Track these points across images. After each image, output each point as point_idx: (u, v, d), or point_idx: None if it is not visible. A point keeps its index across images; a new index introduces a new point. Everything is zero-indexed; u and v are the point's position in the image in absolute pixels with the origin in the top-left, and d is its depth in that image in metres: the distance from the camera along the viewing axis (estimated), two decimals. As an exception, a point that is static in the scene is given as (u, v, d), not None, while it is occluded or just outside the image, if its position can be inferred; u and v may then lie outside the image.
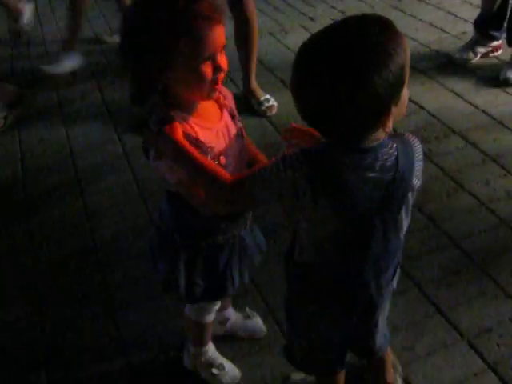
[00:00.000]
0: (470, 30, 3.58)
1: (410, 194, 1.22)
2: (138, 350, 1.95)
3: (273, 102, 3.16)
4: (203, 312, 1.71)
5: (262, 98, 3.17)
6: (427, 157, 2.68)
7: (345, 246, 1.23)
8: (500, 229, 2.25)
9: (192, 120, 1.33)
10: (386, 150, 1.14)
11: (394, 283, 1.42)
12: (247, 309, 1.97)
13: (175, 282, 1.53)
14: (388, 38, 1.02)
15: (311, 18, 4.27)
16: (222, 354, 1.84)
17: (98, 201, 2.66)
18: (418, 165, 1.20)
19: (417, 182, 1.21)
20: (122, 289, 2.18)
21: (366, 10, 4.20)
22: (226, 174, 1.23)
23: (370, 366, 1.69)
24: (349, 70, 1.01)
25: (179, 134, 1.26)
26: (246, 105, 3.15)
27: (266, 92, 3.22)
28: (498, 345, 1.81)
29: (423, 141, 2.79)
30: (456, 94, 3.16)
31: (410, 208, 1.25)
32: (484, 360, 1.77)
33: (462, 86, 3.22)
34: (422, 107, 3.08)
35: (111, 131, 3.20)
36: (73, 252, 2.38)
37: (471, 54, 3.41)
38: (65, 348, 1.98)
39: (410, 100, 3.13)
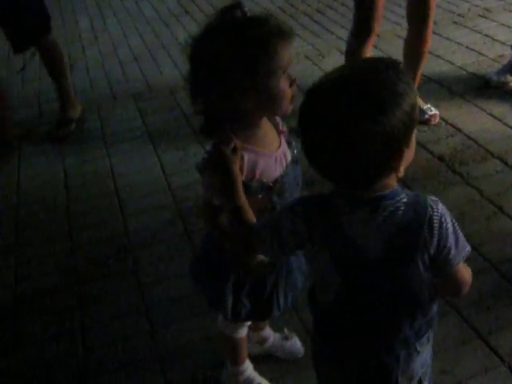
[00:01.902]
0: (507, 52, 3.57)
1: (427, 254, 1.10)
2: (176, 367, 1.99)
3: (434, 110, 3.19)
4: (235, 326, 1.73)
5: (424, 107, 3.17)
6: (466, 180, 2.68)
7: (346, 298, 1.18)
8: (541, 254, 2.23)
9: (254, 147, 1.36)
10: (392, 201, 1.08)
11: (418, 346, 1.24)
12: (285, 329, 1.99)
13: (222, 302, 1.56)
14: (400, 78, 1.02)
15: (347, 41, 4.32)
16: (261, 374, 1.87)
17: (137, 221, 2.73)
18: (441, 229, 1.09)
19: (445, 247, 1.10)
20: (162, 308, 2.23)
21: (401, 33, 4.22)
22: (248, 220, 1.26)
23: None
24: (362, 107, 0.98)
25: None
26: None
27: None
28: (540, 371, 1.79)
29: (461, 163, 2.79)
30: (494, 116, 3.14)
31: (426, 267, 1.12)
32: (526, 386, 1.76)
33: (500, 108, 3.21)
34: (459, 130, 3.07)
35: (152, 153, 3.28)
36: (113, 272, 2.45)
37: (509, 77, 3.39)
38: (102, 363, 2.04)
39: (447, 122, 3.14)
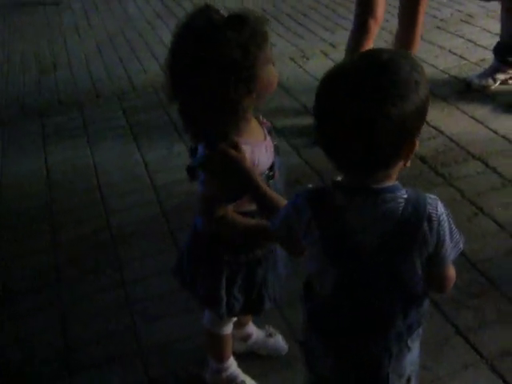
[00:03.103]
0: (489, 57, 3.62)
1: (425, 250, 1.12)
2: (159, 364, 1.99)
3: None
4: (222, 323, 1.74)
5: None
6: (448, 180, 2.71)
7: (343, 292, 1.18)
8: (520, 252, 2.26)
9: (248, 139, 1.40)
10: (392, 195, 1.10)
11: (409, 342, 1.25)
12: (268, 327, 1.99)
13: (216, 298, 1.57)
14: (414, 68, 1.04)
15: (332, 44, 4.36)
16: (244, 371, 1.86)
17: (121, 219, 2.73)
18: (439, 227, 1.11)
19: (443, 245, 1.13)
20: (145, 304, 2.22)
21: (387, 36, 4.26)
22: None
23: None
24: (383, 93, 1.00)
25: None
26: None
27: (289, 117, 3.29)
28: (519, 367, 1.82)
29: (443, 164, 2.83)
30: (475, 119, 3.18)
31: (420, 264, 1.14)
32: (506, 383, 1.77)
33: (482, 111, 3.25)
34: (441, 132, 3.10)
35: (135, 151, 3.28)
36: (97, 268, 2.43)
37: (490, 81, 3.44)
38: (85, 360, 2.03)
39: (430, 125, 3.17)
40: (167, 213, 2.72)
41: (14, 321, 2.25)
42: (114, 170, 3.13)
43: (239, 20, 1.32)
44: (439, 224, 1.10)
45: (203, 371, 1.89)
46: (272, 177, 1.46)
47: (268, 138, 1.49)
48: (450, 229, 1.13)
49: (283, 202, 1.29)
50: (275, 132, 1.52)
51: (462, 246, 1.17)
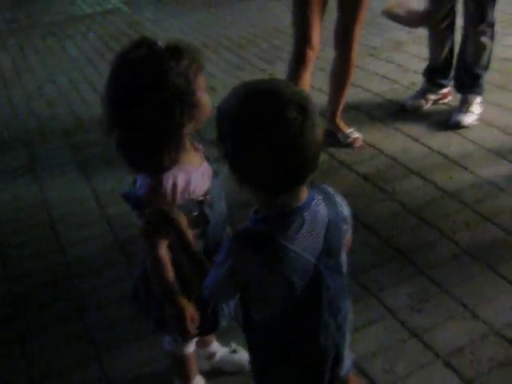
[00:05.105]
0: (418, 80, 3.84)
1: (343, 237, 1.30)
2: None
3: (357, 134, 3.37)
4: (182, 344, 1.77)
5: (348, 131, 3.37)
6: (391, 196, 2.86)
7: (299, 305, 1.25)
8: (462, 257, 2.41)
9: (185, 166, 1.46)
10: (312, 206, 1.20)
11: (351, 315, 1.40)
12: (232, 343, 2.04)
13: (167, 322, 1.58)
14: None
15: (271, 75, 4.49)
16: (211, 388, 1.90)
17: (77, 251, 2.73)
18: (345, 211, 1.30)
19: (347, 227, 1.31)
20: (106, 333, 2.22)
21: (324, 64, 4.46)
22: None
23: None
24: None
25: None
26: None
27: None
28: (471, 362, 1.92)
29: (386, 182, 2.97)
30: (411, 137, 3.37)
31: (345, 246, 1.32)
32: (460, 377, 1.88)
33: (416, 130, 3.44)
34: (381, 151, 3.27)
35: (85, 185, 3.28)
36: (55, 301, 2.42)
37: (423, 101, 3.66)
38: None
39: (370, 145, 3.34)
40: (122, 243, 2.73)
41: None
42: (64, 204, 3.12)
43: (177, 50, 1.40)
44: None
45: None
46: (205, 202, 1.50)
47: (204, 163, 1.55)
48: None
49: (208, 267, 1.31)
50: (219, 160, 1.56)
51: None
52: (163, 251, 1.47)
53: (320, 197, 1.23)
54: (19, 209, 3.14)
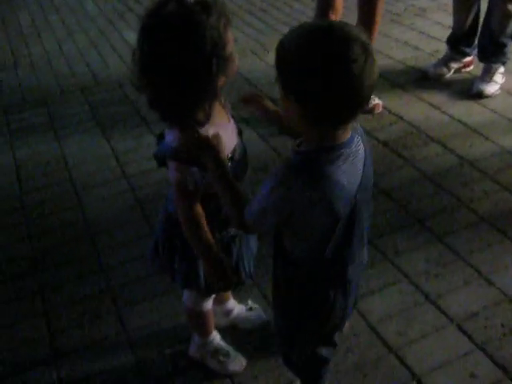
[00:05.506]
0: (442, 48, 3.79)
1: None
2: (144, 344, 2.04)
3: (378, 100, 3.33)
4: (202, 300, 1.80)
5: None
6: (410, 162, 2.85)
7: (336, 236, 1.32)
8: (479, 225, 2.41)
9: (216, 122, 1.45)
10: (355, 142, 1.27)
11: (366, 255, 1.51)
12: (249, 301, 2.08)
13: (195, 277, 1.62)
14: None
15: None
16: (228, 343, 1.94)
17: (96, 209, 2.76)
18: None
19: None
20: (126, 289, 2.27)
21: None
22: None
23: None
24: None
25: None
26: None
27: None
28: (484, 327, 1.95)
29: (406, 148, 2.96)
30: (432, 105, 3.34)
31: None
32: (472, 341, 1.91)
33: (438, 98, 3.41)
34: (401, 118, 3.25)
35: (104, 144, 3.31)
36: (75, 258, 2.47)
37: (445, 69, 3.61)
38: (71, 346, 2.06)
39: (390, 112, 3.32)
40: (141, 201, 2.76)
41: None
42: (84, 162, 3.15)
43: (206, 4, 1.36)
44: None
45: (188, 347, 1.96)
46: (232, 159, 1.50)
47: (231, 120, 1.55)
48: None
49: (246, 197, 1.35)
50: (241, 121, 1.57)
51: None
52: (198, 209, 1.47)
53: (358, 135, 1.30)
54: (39, 166, 3.17)
